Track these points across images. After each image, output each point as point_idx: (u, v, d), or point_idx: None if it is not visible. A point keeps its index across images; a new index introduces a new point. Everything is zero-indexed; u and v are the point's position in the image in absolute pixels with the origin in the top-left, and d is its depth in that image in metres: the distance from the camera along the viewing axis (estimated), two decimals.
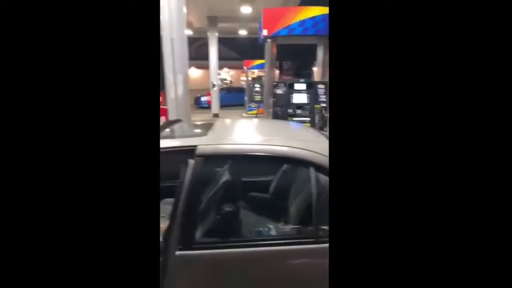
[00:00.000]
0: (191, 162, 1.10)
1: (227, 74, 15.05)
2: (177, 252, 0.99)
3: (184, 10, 4.07)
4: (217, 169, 1.73)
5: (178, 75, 4.10)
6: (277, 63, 9.74)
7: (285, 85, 4.81)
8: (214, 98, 9.56)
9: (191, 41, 3.97)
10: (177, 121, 2.02)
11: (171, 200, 1.92)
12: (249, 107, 9.65)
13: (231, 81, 15.20)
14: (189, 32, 4.24)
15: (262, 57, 8.96)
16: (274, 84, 5.04)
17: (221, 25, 9.31)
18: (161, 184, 2.18)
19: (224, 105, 10.48)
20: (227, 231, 1.18)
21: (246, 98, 10.08)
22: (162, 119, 4.85)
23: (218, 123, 1.79)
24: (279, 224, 1.36)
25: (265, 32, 4.85)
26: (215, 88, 9.49)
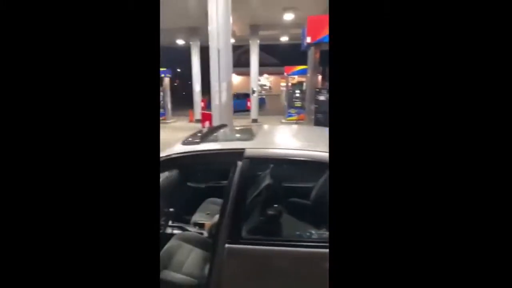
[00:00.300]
0: (239, 163, 1.18)
1: (267, 80, 15.25)
2: (226, 245, 1.07)
3: (230, 21, 4.30)
4: (261, 172, 1.80)
5: (222, 83, 4.33)
6: (320, 68, 9.63)
7: (328, 91, 4.75)
8: (253, 104, 9.79)
9: (233, 49, 4.15)
10: (223, 126, 2.15)
11: (214, 199, 2.05)
12: (289, 113, 9.65)
13: (270, 87, 15.37)
14: (232, 40, 4.44)
15: (303, 63, 8.92)
16: (317, 90, 5.00)
17: (263, 32, 9.55)
18: (206, 185, 2.32)
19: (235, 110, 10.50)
20: (270, 231, 1.24)
21: (285, 104, 10.11)
22: (207, 124, 5.14)
23: (261, 129, 1.86)
24: (320, 231, 1.37)
25: (309, 39, 4.86)
26: (255, 94, 9.71)
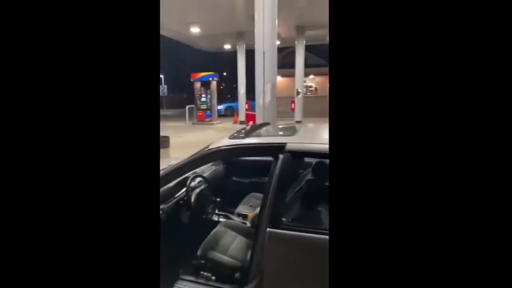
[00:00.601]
0: (281, 157, 1.26)
1: (312, 81, 15.00)
2: (268, 229, 1.16)
3: (276, 23, 4.41)
4: (302, 170, 1.84)
5: (267, 84, 4.45)
6: None
7: None
8: (298, 106, 9.75)
9: (278, 50, 4.25)
10: (266, 123, 2.24)
11: (256, 194, 2.16)
12: None
13: (315, 88, 15.09)
14: (277, 42, 4.52)
15: None
16: None
17: (309, 32, 9.46)
18: (249, 180, 2.44)
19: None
20: (309, 220, 1.29)
21: None
22: (250, 124, 5.32)
23: (304, 126, 1.91)
24: None
25: None
26: (300, 96, 9.67)
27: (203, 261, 1.45)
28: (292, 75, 10.45)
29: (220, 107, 12.72)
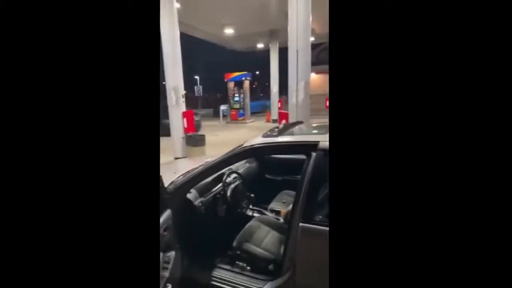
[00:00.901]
0: (314, 154, 1.29)
1: None
2: (300, 224, 1.20)
3: (310, 19, 4.35)
4: None
5: (300, 82, 4.43)
6: None
7: None
8: None
9: (312, 47, 4.18)
10: (299, 122, 2.26)
11: (289, 191, 2.19)
12: None
13: None
14: (311, 39, 4.44)
15: None
16: None
17: None
18: (282, 178, 2.50)
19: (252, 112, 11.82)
20: None
21: None
22: (283, 123, 5.34)
23: None
24: None
25: None
26: None
27: (238, 252, 1.54)
28: (327, 71, 10.19)
29: (223, 107, 11.75)
